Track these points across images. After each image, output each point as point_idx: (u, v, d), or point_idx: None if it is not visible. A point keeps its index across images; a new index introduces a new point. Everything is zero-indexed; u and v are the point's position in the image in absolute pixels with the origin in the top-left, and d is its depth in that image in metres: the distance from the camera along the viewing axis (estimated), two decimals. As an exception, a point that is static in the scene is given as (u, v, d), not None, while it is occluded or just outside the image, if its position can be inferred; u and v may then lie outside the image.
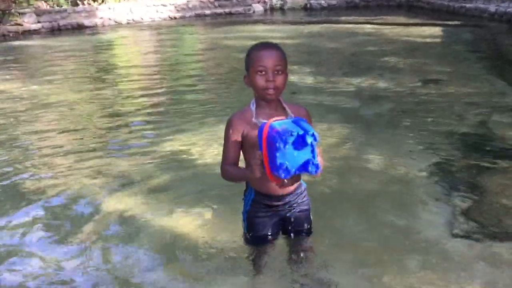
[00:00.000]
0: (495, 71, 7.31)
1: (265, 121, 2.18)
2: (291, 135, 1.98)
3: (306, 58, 9.16)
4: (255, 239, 2.59)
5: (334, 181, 3.62)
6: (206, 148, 4.45)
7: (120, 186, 3.72)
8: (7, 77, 8.36)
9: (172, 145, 4.56)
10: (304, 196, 2.56)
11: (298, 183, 2.49)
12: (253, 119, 2.32)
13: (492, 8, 13.29)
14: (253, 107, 2.36)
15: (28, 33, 14.45)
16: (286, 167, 2.01)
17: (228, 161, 2.40)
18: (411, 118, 5.22)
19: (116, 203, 3.42)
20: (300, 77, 7.41)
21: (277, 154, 2.00)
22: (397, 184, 3.60)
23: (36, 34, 14.50)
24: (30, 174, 4.03)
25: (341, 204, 3.26)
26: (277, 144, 1.99)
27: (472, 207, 3.22)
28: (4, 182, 3.86)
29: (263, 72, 2.26)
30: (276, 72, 2.26)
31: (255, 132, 2.23)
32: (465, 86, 6.49)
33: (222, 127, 5.05)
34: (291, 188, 2.45)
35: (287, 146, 1.99)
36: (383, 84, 6.76)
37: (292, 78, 7.36)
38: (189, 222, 3.12)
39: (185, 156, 4.29)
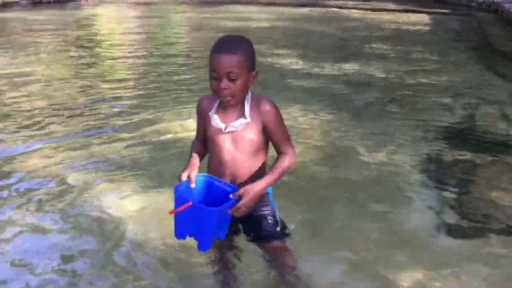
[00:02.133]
0: (483, 61, 7.27)
1: (220, 124, 2.21)
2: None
3: (294, 41, 9.02)
4: None
5: (320, 169, 3.54)
6: (185, 127, 4.32)
7: (95, 167, 3.58)
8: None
9: (154, 124, 4.43)
10: (263, 203, 2.30)
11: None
12: (210, 112, 2.25)
13: (480, -3, 13.28)
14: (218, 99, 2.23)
15: (8, 5, 13.96)
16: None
17: (197, 136, 2.43)
18: (399, 107, 5.15)
19: (89, 184, 3.29)
20: (288, 60, 7.31)
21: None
22: (384, 175, 3.51)
23: (16, 6, 14.03)
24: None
25: (327, 193, 3.18)
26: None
27: (461, 200, 3.17)
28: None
29: (216, 77, 2.08)
30: (230, 79, 2.06)
31: (210, 124, 2.24)
32: (453, 75, 6.44)
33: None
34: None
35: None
36: (371, 71, 6.67)
37: (280, 61, 7.25)
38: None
39: (166, 135, 4.18)
